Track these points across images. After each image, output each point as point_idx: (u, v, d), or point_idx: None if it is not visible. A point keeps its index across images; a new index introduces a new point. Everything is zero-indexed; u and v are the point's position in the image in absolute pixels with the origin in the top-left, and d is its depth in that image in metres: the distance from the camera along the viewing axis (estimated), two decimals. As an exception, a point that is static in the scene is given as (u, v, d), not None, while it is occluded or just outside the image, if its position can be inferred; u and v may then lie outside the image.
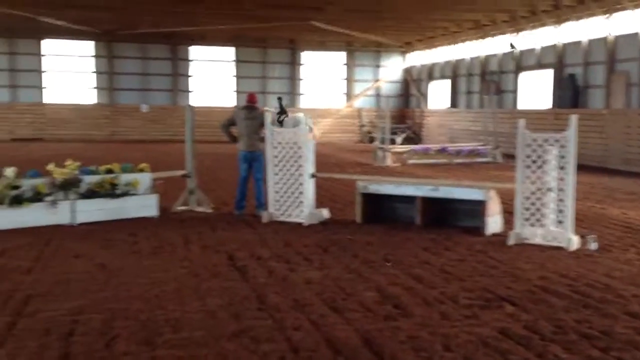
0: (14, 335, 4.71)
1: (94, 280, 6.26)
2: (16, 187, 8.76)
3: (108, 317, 5.12)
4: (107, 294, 5.81)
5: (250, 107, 10.37)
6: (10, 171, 8.83)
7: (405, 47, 34.17)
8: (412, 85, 34.55)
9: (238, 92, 32.72)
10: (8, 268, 6.71)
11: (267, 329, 4.90)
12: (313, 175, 9.66)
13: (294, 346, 4.52)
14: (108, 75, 31.51)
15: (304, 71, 33.91)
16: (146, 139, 30.26)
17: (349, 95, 34.36)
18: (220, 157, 20.81)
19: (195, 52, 32.71)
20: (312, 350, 4.46)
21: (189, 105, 11.10)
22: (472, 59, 29.05)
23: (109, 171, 9.76)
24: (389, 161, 19.76)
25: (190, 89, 32.59)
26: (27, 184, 8.91)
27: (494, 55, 27.30)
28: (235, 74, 33.00)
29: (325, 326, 4.96)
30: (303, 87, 33.93)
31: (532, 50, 24.81)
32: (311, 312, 5.33)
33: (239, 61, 32.98)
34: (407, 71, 34.87)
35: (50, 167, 9.26)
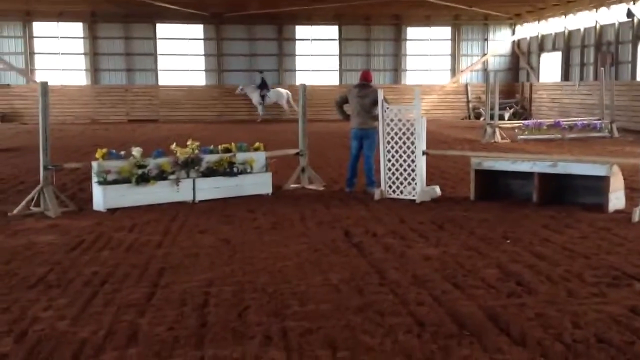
0: (153, 305, 5.03)
1: (220, 254, 6.57)
2: (143, 166, 9.26)
3: (237, 290, 5.38)
4: (234, 267, 6.08)
5: (363, 84, 10.42)
6: (136, 151, 9.34)
7: (515, 19, 33.05)
8: (521, 59, 33.42)
9: (342, 70, 32.83)
10: (140, 242, 7.14)
11: (390, 303, 4.99)
12: (425, 153, 9.63)
13: (419, 320, 4.59)
14: (216, 57, 32.43)
15: (409, 47, 33.53)
16: (252, 119, 31.01)
17: (455, 71, 33.69)
18: (325, 135, 21.06)
19: (301, 31, 33.05)
20: (438, 324, 4.51)
21: (303, 85, 11.29)
22: (585, 29, 27.73)
23: (227, 150, 10.13)
24: (498, 137, 19.30)
25: (296, 68, 33.02)
26: (153, 163, 9.40)
27: (611, 25, 25.94)
28: (339, 52, 33.09)
29: (448, 302, 4.99)
30: (408, 63, 33.57)
31: (653, 17, 23.38)
32: (432, 287, 5.37)
33: (343, 39, 33.03)
34: (517, 44, 33.74)
35: (174, 146, 9.71)
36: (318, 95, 28.25)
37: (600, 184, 8.61)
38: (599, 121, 21.01)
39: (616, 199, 8.60)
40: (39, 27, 31.13)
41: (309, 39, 33.07)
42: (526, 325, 4.45)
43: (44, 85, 8.88)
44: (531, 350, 4.06)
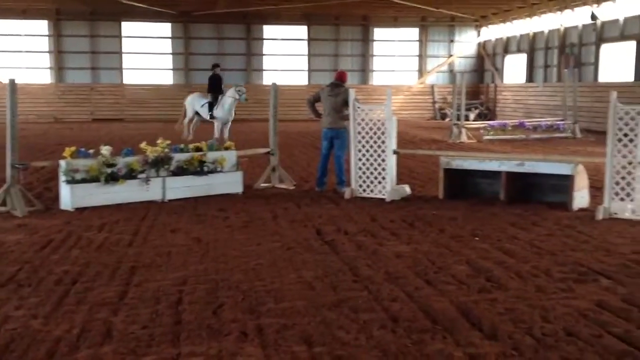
0: (126, 304, 5.01)
1: (192, 253, 6.55)
2: (112, 165, 9.18)
3: (211, 287, 5.38)
4: (207, 265, 6.08)
5: (335, 84, 10.48)
6: (106, 149, 9.25)
7: (480, 21, 33.49)
8: (486, 60, 33.89)
9: (311, 70, 32.89)
10: (110, 241, 7.08)
11: (365, 299, 5.05)
12: (396, 152, 9.73)
13: (393, 315, 4.66)
14: (184, 56, 32.21)
15: (377, 48, 33.74)
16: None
17: (422, 72, 34.00)
18: (294, 135, 21.11)
19: (270, 31, 33.01)
20: (411, 320, 4.58)
21: (274, 84, 11.30)
22: (550, 31, 28.24)
23: (197, 149, 10.10)
24: (464, 137, 19.55)
25: (264, 68, 32.96)
26: (122, 162, 9.32)
27: (574, 27, 26.46)
28: (308, 53, 33.13)
29: (421, 298, 5.07)
30: (376, 64, 33.77)
31: (615, 21, 23.91)
32: (405, 284, 5.45)
33: (312, 39, 33.09)
34: (482, 46, 34.19)
35: (143, 145, 9.65)
36: (286, 95, 28.25)
37: (565, 183, 8.81)
38: (563, 122, 21.43)
39: (581, 198, 8.81)
40: (2, 25, 30.54)
41: (277, 39, 33.06)
42: (497, 320, 4.55)
43: (12, 83, 8.75)
44: (503, 343, 4.15)
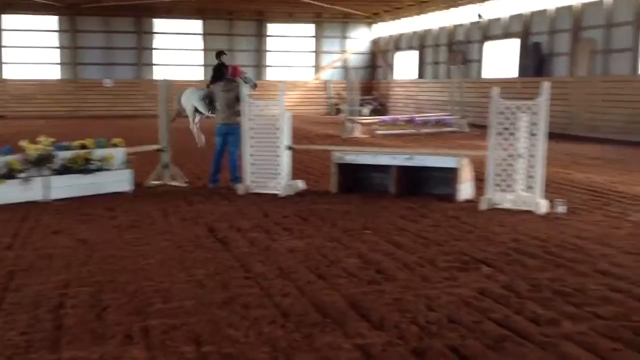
0: (3, 310, 4.75)
1: (76, 255, 6.29)
2: (-11, 165, 8.67)
3: (96, 290, 5.19)
4: (92, 267, 5.86)
5: (228, 80, 10.38)
6: (-18, 148, 8.73)
7: (373, 18, 34.16)
8: (379, 57, 34.62)
9: (206, 65, 32.44)
10: (-13, 245, 6.69)
11: (256, 296, 5.03)
12: (290, 147, 9.75)
13: (284, 311, 4.66)
14: (71, 50, 30.93)
15: (271, 43, 33.70)
16: (110, 114, 29.80)
17: (317, 68, 34.29)
18: (188, 131, 20.71)
19: (161, 25, 32.26)
20: (302, 314, 4.60)
21: (164, 79, 11.02)
22: (439, 29, 29.19)
23: (83, 146, 9.71)
24: (358, 132, 19.90)
25: (155, 63, 32.18)
26: (1, 161, 8.82)
27: (461, 25, 27.49)
28: (202, 47, 32.64)
29: (312, 292, 5.10)
30: (270, 59, 33.74)
31: (499, 19, 25.04)
32: (297, 279, 5.47)
33: (205, 34, 32.62)
34: (374, 42, 34.89)
35: (24, 143, 9.17)
36: (180, 91, 27.66)
37: (451, 176, 9.13)
38: (451, 117, 22.22)
39: (465, 189, 9.16)
40: None
41: (169, 33, 32.36)
42: (385, 310, 4.64)
43: None
44: (389, 333, 4.25)
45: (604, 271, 5.66)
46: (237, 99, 10.03)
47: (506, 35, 24.71)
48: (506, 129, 8.45)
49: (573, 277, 5.50)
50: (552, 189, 9.67)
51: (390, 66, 33.56)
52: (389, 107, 32.56)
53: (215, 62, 16.58)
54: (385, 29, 33.88)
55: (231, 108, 10.20)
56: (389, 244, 6.68)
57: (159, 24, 32.20)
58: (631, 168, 12.72)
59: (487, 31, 25.79)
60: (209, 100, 15.53)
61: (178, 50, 32.34)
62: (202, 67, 32.41)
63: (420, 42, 30.70)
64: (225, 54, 16.93)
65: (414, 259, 6.06)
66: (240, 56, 32.76)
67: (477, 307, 4.74)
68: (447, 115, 22.62)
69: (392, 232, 7.25)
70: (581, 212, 8.33)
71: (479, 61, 26.29)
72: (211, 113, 15.74)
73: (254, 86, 15.56)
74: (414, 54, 31.34)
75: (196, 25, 32.60)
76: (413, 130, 20.75)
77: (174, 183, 10.58)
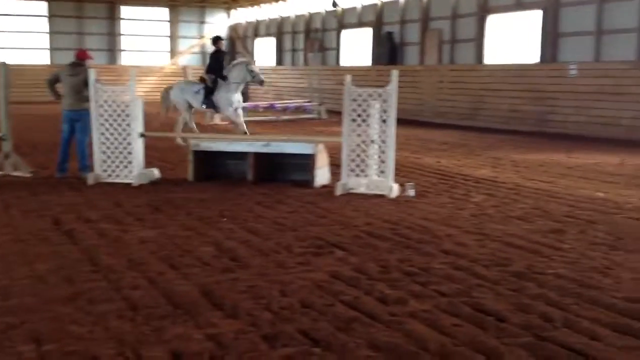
0: None
1: None
2: None
3: None
4: None
5: (75, 63, 9.85)
6: None
7: (230, 4, 33.82)
8: (237, 43, 34.36)
9: (53, 49, 30.67)
10: None
11: (103, 290, 4.82)
12: (142, 135, 9.43)
13: (133, 304, 4.50)
14: None
15: (126, 27, 32.45)
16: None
17: (173, 53, 33.48)
18: (35, 118, 19.56)
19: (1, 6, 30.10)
20: (152, 307, 4.46)
21: (3, 63, 10.25)
22: (297, 16, 29.43)
23: None
24: (218, 119, 19.67)
25: (-3, 45, 30.06)
26: None
27: (318, 13, 27.87)
28: (48, 30, 30.81)
29: (164, 283, 4.97)
30: (125, 43, 32.50)
31: (354, 8, 25.64)
32: (148, 270, 5.30)
33: (51, 16, 30.80)
34: (233, 28, 34.58)
35: None
36: (27, 76, 26.00)
37: (307, 162, 9.25)
38: (310, 104, 22.54)
39: (322, 175, 9.31)
40: None
41: (11, 15, 30.26)
42: (238, 298, 4.61)
43: None
44: (242, 321, 4.22)
45: (448, 250, 5.97)
46: (85, 84, 9.55)
47: (361, 24, 25.37)
48: (359, 115, 8.67)
49: (420, 257, 5.76)
50: (403, 173, 10.08)
51: (249, 52, 33.42)
52: (250, 94, 32.42)
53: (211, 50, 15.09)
54: (244, 15, 33.68)
55: (78, 93, 9.71)
56: (245, 232, 6.65)
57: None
58: (475, 152, 13.53)
59: (343, 20, 26.35)
60: (206, 93, 14.14)
61: (22, 33, 30.31)
62: (48, 51, 30.64)
63: (278, 29, 30.82)
64: (222, 39, 15.16)
65: (269, 246, 6.08)
66: (90, 40, 31.32)
67: (329, 290, 4.83)
68: (306, 102, 22.93)
69: (249, 219, 7.23)
70: (429, 195, 8.74)
71: (336, 49, 26.83)
72: (206, 107, 14.71)
73: (261, 83, 14.37)
74: (273, 41, 31.43)
75: (41, 6, 30.69)
76: (273, 117, 20.83)
77: (16, 173, 9.92)
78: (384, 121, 8.59)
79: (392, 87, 8.53)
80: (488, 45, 20.17)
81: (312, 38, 27.98)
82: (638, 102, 15.51)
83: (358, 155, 8.74)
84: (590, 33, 17.02)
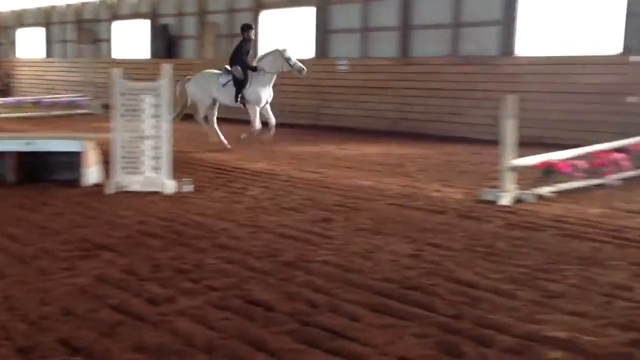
0: None
1: None
2: None
3: None
4: None
5: None
6: None
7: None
8: (-1, 32, 31.56)
9: None
10: None
11: None
12: None
13: None
14: None
15: None
16: None
17: None
18: None
19: None
20: None
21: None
22: (66, 6, 27.70)
23: None
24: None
25: None
26: None
27: (89, 3, 26.48)
28: None
29: None
30: None
31: (128, -1, 24.76)
32: None
33: None
34: (-7, 16, 31.66)
35: None
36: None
37: (75, 160, 8.76)
38: (83, 98, 21.40)
39: (92, 174, 8.88)
40: None
41: None
42: (-12, 312, 4.23)
43: None
44: (-10, 336, 3.88)
45: (222, 245, 6.00)
46: None
47: (135, 15, 24.56)
48: (131, 110, 8.39)
49: (194, 253, 5.71)
50: (181, 169, 9.94)
51: (12, 43, 30.84)
52: (15, 87, 29.97)
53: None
54: (7, 3, 30.95)
55: None
56: (3, 238, 6.13)
57: None
58: (254, 146, 13.71)
59: (117, 10, 25.31)
60: (238, 86, 11.97)
61: None
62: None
63: (46, 18, 28.79)
64: (252, 27, 12.84)
65: (30, 252, 5.65)
66: None
67: (94, 294, 4.60)
68: (79, 97, 21.71)
69: (8, 224, 6.66)
70: (207, 190, 8.71)
71: (109, 41, 25.71)
72: (240, 103, 12.33)
73: (301, 71, 12.33)
74: (41, 31, 29.30)
75: None
76: (42, 113, 19.45)
77: None
78: (157, 116, 8.40)
79: (165, 81, 8.36)
80: (262, 41, 20.59)
81: (84, 29, 26.51)
82: (400, 96, 16.82)
83: (131, 152, 8.45)
84: (357, 30, 18.08)
